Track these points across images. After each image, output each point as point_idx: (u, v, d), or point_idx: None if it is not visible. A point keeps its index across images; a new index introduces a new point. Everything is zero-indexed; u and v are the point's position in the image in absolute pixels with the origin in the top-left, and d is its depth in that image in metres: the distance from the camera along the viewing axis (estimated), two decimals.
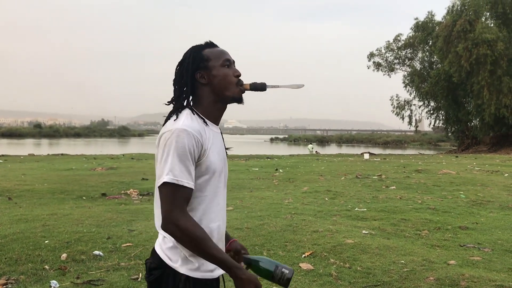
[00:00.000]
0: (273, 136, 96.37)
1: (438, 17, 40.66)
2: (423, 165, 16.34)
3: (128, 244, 4.91)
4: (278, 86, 1.72)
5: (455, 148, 43.63)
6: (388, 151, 41.49)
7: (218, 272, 1.62)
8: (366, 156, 23.63)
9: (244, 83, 1.66)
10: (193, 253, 1.53)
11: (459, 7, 34.99)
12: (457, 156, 26.24)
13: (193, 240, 1.47)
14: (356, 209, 7.21)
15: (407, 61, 42.52)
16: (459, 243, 5.23)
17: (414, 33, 40.47)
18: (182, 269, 1.53)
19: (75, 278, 3.95)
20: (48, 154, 27.00)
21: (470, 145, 39.05)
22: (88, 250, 4.67)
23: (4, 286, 3.74)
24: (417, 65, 42.32)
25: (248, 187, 10.27)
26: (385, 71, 42.69)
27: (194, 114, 1.57)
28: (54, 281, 3.83)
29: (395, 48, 42.03)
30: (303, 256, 4.58)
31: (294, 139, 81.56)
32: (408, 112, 42.43)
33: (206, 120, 1.59)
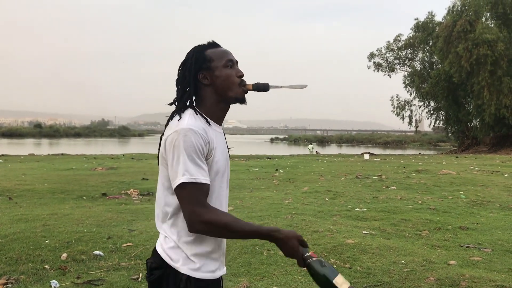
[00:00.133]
0: (273, 136, 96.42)
1: (439, 18, 40.75)
2: (423, 165, 16.34)
3: (128, 244, 4.91)
4: (281, 87, 1.71)
5: (455, 148, 43.64)
6: (388, 151, 41.50)
7: (219, 273, 1.62)
8: (366, 156, 23.63)
9: (247, 83, 1.65)
10: (195, 253, 1.54)
11: (459, 8, 35.00)
12: (457, 157, 26.24)
13: (222, 229, 1.48)
14: (356, 209, 7.21)
15: (407, 61, 42.54)
16: (459, 243, 5.22)
17: (414, 34, 40.48)
18: (183, 269, 1.53)
19: (76, 278, 3.95)
20: (48, 154, 27.01)
21: (470, 145, 39.05)
22: (88, 250, 4.67)
23: (5, 286, 3.74)
24: (417, 66, 42.33)
25: (248, 187, 10.27)
26: (385, 71, 42.71)
27: (197, 114, 1.56)
28: (54, 281, 3.83)
29: (396, 48, 42.04)
30: None
31: (294, 139, 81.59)
32: (408, 112, 42.48)
33: (209, 120, 1.58)
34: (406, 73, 42.09)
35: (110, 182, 10.97)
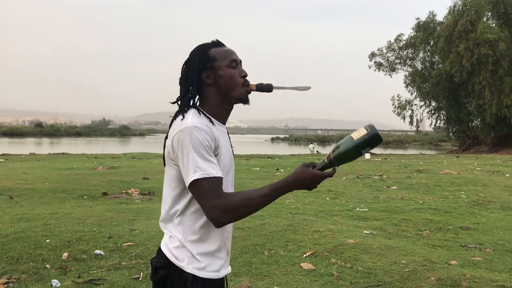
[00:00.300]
0: (274, 136, 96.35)
1: (440, 17, 40.67)
2: (424, 165, 16.33)
3: (129, 243, 4.91)
4: (284, 88, 1.70)
5: (456, 148, 43.61)
6: (389, 151, 41.46)
7: (224, 272, 1.62)
8: (367, 156, 23.61)
9: (250, 83, 1.64)
10: (200, 252, 1.54)
11: (460, 7, 34.95)
12: (458, 156, 26.22)
13: (245, 207, 1.46)
14: (357, 209, 7.21)
15: (408, 61, 42.48)
16: (460, 243, 5.22)
17: (415, 33, 40.41)
18: (189, 268, 1.53)
19: (76, 277, 3.95)
20: (49, 153, 27.03)
21: (471, 145, 39.02)
22: (89, 249, 4.67)
23: (6, 285, 3.74)
24: (418, 65, 42.29)
25: (249, 186, 10.27)
26: (386, 71, 42.67)
27: (200, 114, 1.56)
28: (55, 280, 3.83)
29: (397, 48, 41.99)
30: (304, 256, 4.57)
31: (295, 139, 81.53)
32: (409, 112, 42.46)
33: (212, 119, 1.58)
34: (407, 72, 42.09)
35: (111, 181, 10.98)
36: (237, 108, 1.72)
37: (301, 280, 3.92)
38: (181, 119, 1.53)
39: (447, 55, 34.07)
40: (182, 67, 1.64)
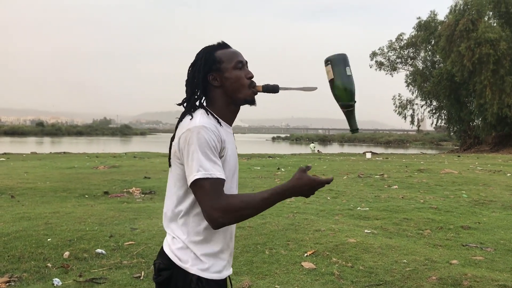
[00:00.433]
0: (275, 135, 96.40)
1: (441, 17, 40.60)
2: (425, 164, 16.31)
3: (130, 242, 4.92)
4: (291, 89, 1.69)
5: (457, 147, 43.59)
6: (390, 151, 41.44)
7: (226, 273, 1.62)
8: (368, 155, 23.63)
9: (256, 84, 1.64)
10: (204, 253, 1.54)
11: (461, 7, 34.89)
12: (459, 156, 26.20)
13: (242, 212, 1.45)
14: (358, 208, 7.21)
15: (409, 60, 42.47)
16: (461, 242, 5.22)
17: (416, 33, 40.39)
18: (193, 269, 1.53)
19: (78, 276, 3.96)
20: (50, 153, 27.05)
21: (472, 144, 39.00)
22: (90, 248, 4.68)
23: (7, 284, 3.75)
24: (420, 65, 42.27)
25: (250, 186, 10.27)
26: (387, 71, 42.67)
27: (208, 114, 1.56)
28: (56, 279, 3.84)
29: (398, 47, 41.98)
30: (305, 255, 4.58)
31: (296, 138, 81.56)
32: (410, 111, 42.46)
33: (220, 120, 1.58)
34: (408, 72, 42.08)
35: (112, 180, 10.99)
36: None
37: (302, 279, 3.93)
38: (190, 119, 1.52)
39: (448, 54, 34.04)
40: (188, 69, 1.64)
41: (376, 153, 28.53)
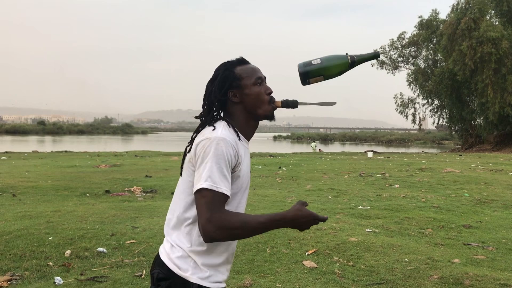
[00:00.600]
0: (276, 134, 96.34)
1: (443, 15, 40.66)
2: (427, 163, 16.30)
3: (131, 241, 4.92)
4: (310, 104, 1.71)
5: (458, 146, 43.56)
6: (391, 150, 41.44)
7: (221, 285, 1.60)
8: (370, 154, 23.61)
9: (275, 100, 1.66)
10: (205, 263, 1.53)
11: (463, 5, 34.84)
12: (460, 155, 26.17)
13: (237, 231, 1.45)
14: (360, 207, 7.20)
15: (411, 59, 42.40)
16: (463, 241, 5.21)
17: (418, 31, 40.33)
18: (193, 278, 1.51)
19: (79, 274, 3.97)
20: (51, 151, 27.09)
21: (474, 143, 38.96)
22: (92, 247, 4.68)
23: (9, 282, 3.75)
24: (421, 63, 42.19)
25: (251, 185, 10.27)
26: (389, 69, 42.60)
27: (230, 127, 1.57)
28: (58, 277, 3.84)
29: (399, 46, 41.91)
30: (306, 254, 4.57)
31: (297, 137, 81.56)
32: (412, 110, 42.47)
33: (239, 134, 1.59)
34: (409, 71, 42.00)
35: (113, 179, 11.00)
36: None
37: (304, 278, 3.92)
38: (212, 129, 1.52)
39: (450, 53, 33.98)
40: (207, 85, 1.65)
41: (378, 152, 28.52)
